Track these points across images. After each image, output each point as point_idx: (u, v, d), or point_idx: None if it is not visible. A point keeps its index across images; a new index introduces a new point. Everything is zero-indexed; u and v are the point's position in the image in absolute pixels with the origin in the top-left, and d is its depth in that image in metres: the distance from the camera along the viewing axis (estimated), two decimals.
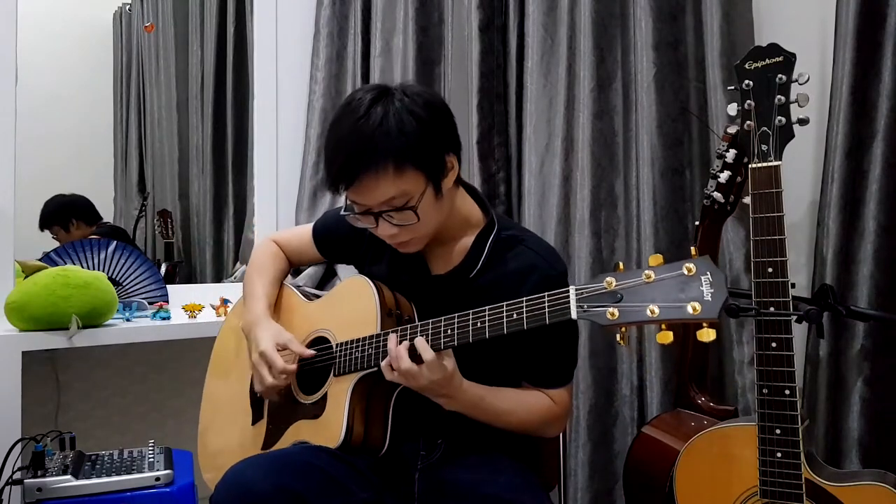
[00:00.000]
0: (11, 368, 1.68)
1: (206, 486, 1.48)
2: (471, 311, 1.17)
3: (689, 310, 0.96)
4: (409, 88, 1.27)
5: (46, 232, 2.30)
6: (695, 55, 1.82)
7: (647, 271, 1.00)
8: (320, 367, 1.37)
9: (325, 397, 1.32)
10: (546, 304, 1.08)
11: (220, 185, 2.69)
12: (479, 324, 1.15)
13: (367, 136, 1.20)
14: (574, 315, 1.05)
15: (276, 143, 2.54)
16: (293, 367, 1.35)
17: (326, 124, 2.46)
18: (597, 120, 1.91)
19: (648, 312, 0.98)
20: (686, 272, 0.98)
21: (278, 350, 1.36)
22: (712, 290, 0.96)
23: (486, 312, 1.15)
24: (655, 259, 1.01)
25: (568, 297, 1.06)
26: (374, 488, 1.25)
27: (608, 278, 1.03)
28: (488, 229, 1.36)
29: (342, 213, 1.32)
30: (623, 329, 1.02)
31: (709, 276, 0.97)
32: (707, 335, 0.97)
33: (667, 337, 0.98)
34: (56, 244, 2.26)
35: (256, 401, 1.47)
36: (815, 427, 1.57)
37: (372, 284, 1.33)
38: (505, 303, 1.13)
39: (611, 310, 1.01)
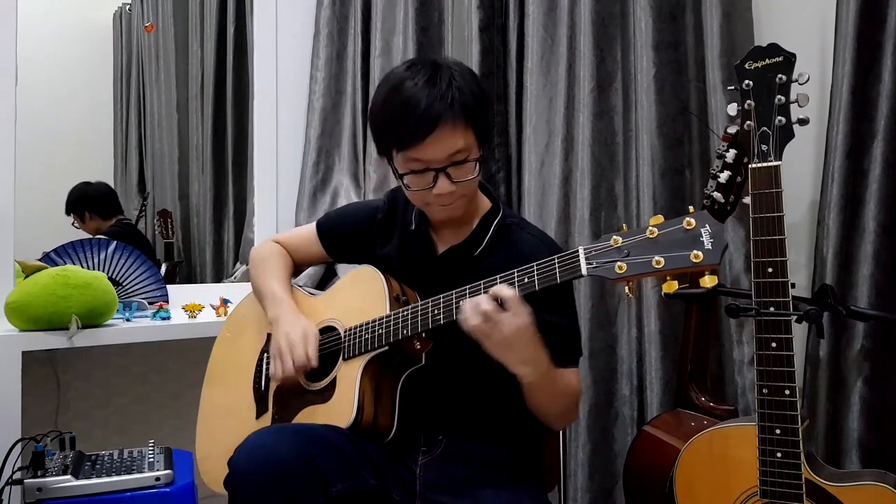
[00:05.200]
0: (11, 368, 1.68)
1: (206, 487, 1.48)
2: (482, 281, 1.19)
3: (692, 258, 1.02)
4: (452, 61, 1.35)
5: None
6: (695, 55, 1.82)
7: (650, 228, 1.06)
8: (327, 354, 1.38)
9: (333, 381, 1.34)
10: (556, 264, 1.12)
11: (220, 185, 2.69)
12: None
13: (443, 92, 1.26)
14: (584, 271, 1.09)
15: (276, 143, 2.54)
16: (313, 363, 1.36)
17: (326, 124, 2.48)
18: (597, 120, 1.91)
19: (654, 264, 1.04)
20: (686, 226, 1.04)
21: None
22: (712, 240, 1.02)
23: (498, 280, 1.18)
24: (656, 219, 1.07)
25: (577, 255, 1.11)
26: (382, 477, 1.26)
27: (615, 237, 1.08)
28: (494, 212, 1.42)
29: (401, 174, 1.32)
30: (630, 283, 1.08)
31: (708, 227, 1.03)
32: (710, 281, 1.02)
33: (672, 286, 1.05)
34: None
35: (261, 395, 1.47)
36: (815, 427, 1.57)
37: (378, 271, 1.38)
38: (515, 269, 1.17)
39: (619, 263, 1.06)
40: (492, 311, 1.14)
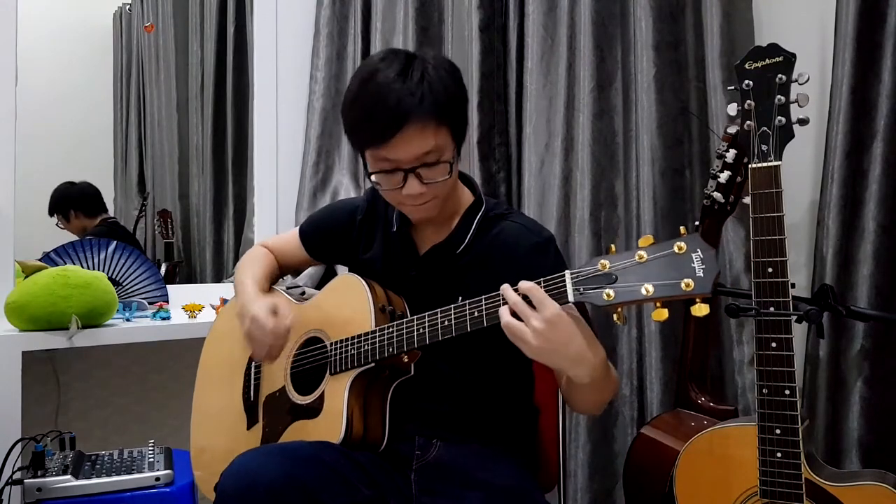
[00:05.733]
0: (11, 368, 1.68)
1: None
2: (468, 301, 1.16)
3: (683, 287, 0.97)
4: (431, 54, 1.29)
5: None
6: (695, 55, 1.82)
7: (639, 252, 1.02)
8: (314, 367, 1.37)
9: (322, 396, 1.33)
10: (543, 288, 1.08)
11: (220, 185, 2.69)
12: (476, 313, 1.15)
13: (412, 89, 1.21)
14: (571, 298, 1.05)
15: (276, 143, 2.54)
16: (287, 324, 1.33)
17: (326, 124, 2.48)
18: (597, 120, 1.91)
19: (643, 291, 1.00)
20: (677, 250, 0.99)
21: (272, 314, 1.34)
22: (704, 266, 0.97)
23: (483, 302, 1.14)
24: (646, 240, 1.03)
25: (564, 281, 1.07)
26: (376, 486, 1.25)
27: (602, 261, 1.04)
28: (476, 207, 1.38)
29: (370, 173, 1.29)
30: (619, 309, 1.03)
31: (699, 252, 0.98)
32: (700, 310, 0.98)
33: (662, 314, 1.00)
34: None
35: (251, 405, 1.46)
36: (815, 427, 1.57)
37: (363, 281, 1.34)
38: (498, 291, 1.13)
39: (607, 290, 1.02)
40: (520, 304, 1.06)
